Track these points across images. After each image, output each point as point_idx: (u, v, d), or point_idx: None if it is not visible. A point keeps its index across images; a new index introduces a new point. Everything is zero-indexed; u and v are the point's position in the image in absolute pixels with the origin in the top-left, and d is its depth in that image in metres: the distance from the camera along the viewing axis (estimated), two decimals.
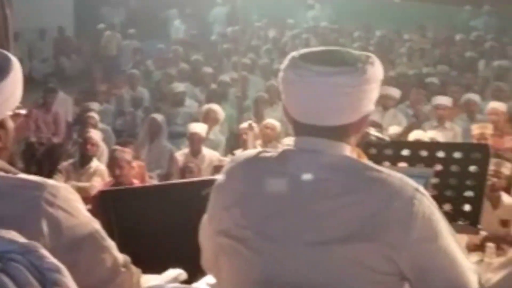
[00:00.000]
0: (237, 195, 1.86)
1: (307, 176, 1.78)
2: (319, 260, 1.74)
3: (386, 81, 10.01)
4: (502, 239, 5.69)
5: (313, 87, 1.78)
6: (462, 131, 8.02)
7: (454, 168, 2.51)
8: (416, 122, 8.13)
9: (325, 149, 1.81)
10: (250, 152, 1.94)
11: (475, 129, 7.07)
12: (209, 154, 7.37)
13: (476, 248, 5.46)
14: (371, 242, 1.71)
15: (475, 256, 5.40)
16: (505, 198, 5.88)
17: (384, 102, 8.81)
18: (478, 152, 2.50)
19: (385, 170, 1.79)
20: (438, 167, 2.51)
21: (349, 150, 1.84)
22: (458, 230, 2.33)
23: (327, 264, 1.74)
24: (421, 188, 1.77)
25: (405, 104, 9.31)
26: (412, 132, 6.97)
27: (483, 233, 5.57)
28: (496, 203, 5.80)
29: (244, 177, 1.88)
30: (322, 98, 1.78)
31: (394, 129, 7.46)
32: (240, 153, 1.97)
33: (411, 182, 1.77)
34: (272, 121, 7.78)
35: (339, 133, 1.81)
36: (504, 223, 5.69)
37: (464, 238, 5.31)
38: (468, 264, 1.81)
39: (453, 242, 1.79)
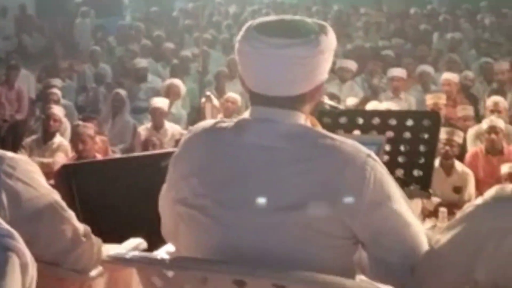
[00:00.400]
0: (194, 165, 1.85)
1: (262, 145, 1.78)
2: (275, 226, 1.75)
3: (344, 54, 10.11)
4: (455, 205, 5.78)
5: (267, 59, 1.77)
6: (417, 101, 8.09)
7: (406, 135, 2.53)
8: (372, 94, 8.18)
9: (280, 118, 1.80)
10: (207, 122, 1.93)
11: (429, 99, 7.13)
12: (171, 128, 7.33)
13: (430, 214, 5.54)
14: (325, 208, 1.72)
15: (429, 222, 5.48)
16: (458, 165, 5.96)
17: (341, 75, 8.85)
18: (429, 119, 2.52)
19: (338, 137, 1.80)
20: (391, 134, 2.53)
21: (303, 119, 1.84)
22: (410, 194, 2.36)
23: (283, 230, 1.74)
24: (373, 154, 1.79)
25: (361, 76, 9.36)
26: (369, 103, 7.01)
27: (436, 200, 5.66)
28: (449, 170, 5.88)
29: (201, 147, 1.87)
30: (277, 70, 1.77)
31: (351, 101, 7.49)
32: (197, 124, 1.97)
33: (363, 149, 1.78)
34: (233, 94, 7.77)
35: (294, 102, 1.81)
36: (456, 189, 5.78)
37: (419, 205, 5.41)
38: (419, 227, 1.84)
39: (404, 205, 1.80)
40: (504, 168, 5.60)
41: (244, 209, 1.77)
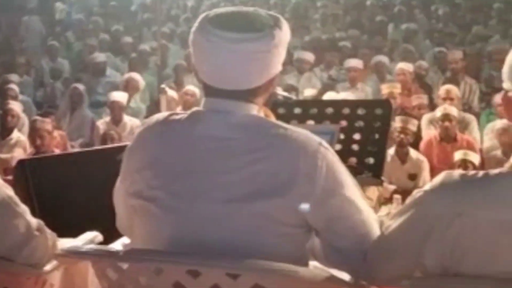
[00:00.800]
0: (148, 157, 1.84)
1: (216, 136, 1.78)
2: (228, 217, 1.74)
3: (302, 46, 10.12)
4: (410, 192, 5.83)
5: (222, 53, 1.77)
6: (373, 91, 8.16)
7: (358, 123, 2.54)
8: (330, 84, 8.22)
9: (234, 109, 1.80)
10: (161, 115, 1.92)
11: (384, 89, 7.20)
12: (130, 121, 7.27)
13: (386, 201, 5.61)
14: (279, 197, 1.72)
15: (385, 209, 5.54)
16: (413, 153, 6.04)
17: (299, 66, 8.89)
18: (381, 108, 2.54)
19: (291, 127, 1.81)
20: (344, 123, 2.54)
21: (257, 110, 1.84)
22: (363, 182, 2.38)
23: (237, 220, 1.74)
24: (324, 143, 1.79)
25: (319, 67, 9.39)
26: (326, 94, 7.05)
27: (392, 187, 5.73)
28: (404, 158, 5.95)
29: (154, 139, 1.85)
30: (231, 64, 1.77)
31: (309, 92, 7.52)
32: (151, 117, 1.95)
33: (315, 137, 1.79)
34: (192, 87, 7.75)
35: (248, 95, 1.81)
36: (411, 176, 5.85)
37: (375, 192, 5.47)
38: (371, 213, 1.85)
39: (356, 192, 1.82)
40: (457, 155, 5.68)
41: (198, 200, 1.76)
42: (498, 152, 6.22)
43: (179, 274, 1.71)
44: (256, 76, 1.80)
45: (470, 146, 6.10)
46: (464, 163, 5.53)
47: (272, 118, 1.97)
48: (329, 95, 6.83)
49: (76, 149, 6.56)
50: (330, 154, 1.78)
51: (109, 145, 5.44)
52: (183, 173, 1.78)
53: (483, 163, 6.36)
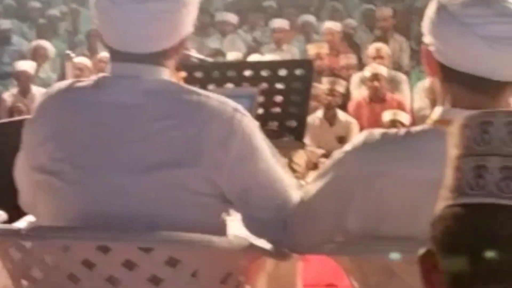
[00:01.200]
0: (51, 129, 1.80)
1: (123, 103, 1.75)
2: (140, 187, 1.73)
3: (224, 7, 10.06)
4: None
5: (128, 14, 1.74)
6: (299, 52, 8.19)
7: (278, 85, 2.53)
8: (255, 46, 8.21)
9: (143, 74, 1.78)
10: (63, 83, 1.88)
11: (311, 49, 7.24)
12: (39, 93, 7.09)
13: (314, 166, 5.66)
14: (192, 166, 1.71)
15: (313, 174, 5.60)
16: (341, 115, 6.11)
17: (222, 28, 8.84)
18: (302, 68, 2.54)
19: (205, 92, 1.80)
20: (264, 85, 2.54)
21: (168, 74, 1.82)
22: (285, 145, 2.39)
23: (148, 191, 1.73)
24: (241, 108, 1.79)
25: (243, 29, 9.36)
26: (251, 56, 7.04)
27: (320, 151, 5.79)
28: (332, 120, 6.01)
29: (57, 109, 1.81)
30: (138, 25, 1.74)
31: (233, 55, 7.49)
32: (52, 86, 1.90)
33: (231, 103, 1.78)
34: (107, 54, 7.58)
35: (157, 58, 1.79)
36: (340, 139, 5.92)
37: (303, 158, 5.51)
38: (290, 181, 1.86)
39: (273, 160, 1.82)
40: (387, 116, 5.78)
41: (104, 171, 1.74)
42: (429, 111, 6.34)
43: (88, 251, 1.70)
44: (165, 38, 1.78)
45: (400, 106, 6.21)
46: (394, 124, 5.63)
47: (183, 83, 1.95)
48: (253, 58, 6.82)
49: None
50: (246, 120, 1.78)
51: (16, 118, 5.31)
52: (88, 143, 1.75)
53: (414, 123, 6.50)
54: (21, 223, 2.12)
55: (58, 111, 1.81)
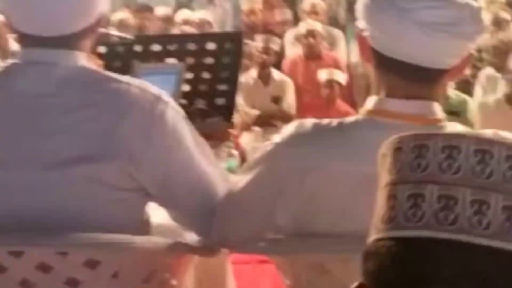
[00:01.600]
0: None
1: (35, 92, 1.63)
2: (55, 183, 1.62)
3: None
4: (274, 115, 5.86)
5: None
6: (232, 7, 8.01)
7: (207, 60, 2.41)
8: (185, 1, 8.01)
9: (57, 60, 1.66)
10: None
11: (245, 4, 7.09)
12: None
13: (248, 127, 5.58)
14: (110, 160, 1.61)
15: (247, 135, 5.53)
16: (276, 74, 6.03)
17: None
18: (231, 41, 2.42)
19: (126, 79, 1.68)
20: (191, 60, 2.41)
21: (85, 58, 1.69)
22: (213, 127, 2.28)
23: (64, 187, 1.62)
24: (164, 95, 1.69)
25: None
26: (180, 11, 6.85)
27: (255, 112, 5.72)
28: (266, 80, 5.92)
29: None
30: (48, 5, 1.64)
31: (161, 10, 7.27)
32: None
33: (153, 90, 1.68)
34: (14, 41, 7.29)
35: (72, 40, 1.67)
36: (275, 99, 5.85)
37: (237, 119, 5.42)
38: (216, 173, 1.77)
39: (197, 151, 1.73)
40: (323, 75, 5.72)
41: (16, 167, 1.62)
42: (365, 68, 6.31)
43: None
44: (78, 17, 1.67)
45: (336, 64, 6.16)
46: (330, 84, 5.58)
47: (100, 67, 1.83)
48: (184, 14, 6.65)
49: None
50: (169, 109, 1.67)
51: None
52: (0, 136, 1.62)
53: (351, 80, 6.47)
54: None
55: None
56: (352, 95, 6.43)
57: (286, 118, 5.94)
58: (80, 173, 1.61)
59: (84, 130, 1.61)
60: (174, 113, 1.69)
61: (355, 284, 0.86)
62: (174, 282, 1.77)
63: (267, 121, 5.67)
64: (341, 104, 5.90)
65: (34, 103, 1.63)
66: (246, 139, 5.47)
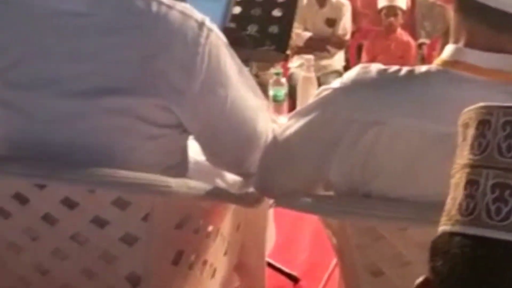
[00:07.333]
0: None
1: (64, 10, 1.52)
2: (84, 113, 1.53)
3: None
4: (327, 39, 5.70)
5: None
6: None
7: None
8: None
9: None
10: None
11: None
12: None
13: (300, 50, 5.45)
14: (146, 93, 1.52)
15: (297, 60, 5.39)
16: None
17: None
18: None
19: (167, 1, 1.55)
20: None
21: None
22: (263, 56, 2.19)
23: (94, 117, 1.53)
24: (208, 21, 1.57)
25: None
26: None
27: (307, 34, 5.57)
28: (322, 1, 5.74)
29: None
30: None
31: None
32: None
33: (196, 15, 1.56)
34: None
35: None
36: (329, 22, 5.68)
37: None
38: (262, 111, 1.70)
39: (243, 84, 1.64)
40: (382, 1, 5.52)
41: (42, 92, 1.53)
42: None
43: (20, 185, 1.53)
44: None
45: None
46: (390, 11, 5.38)
47: None
48: None
49: None
50: (214, 37, 1.56)
51: None
52: (23, 57, 1.54)
53: (413, 7, 6.26)
54: None
55: None
56: (413, 23, 6.22)
57: (340, 44, 5.80)
58: (113, 103, 1.51)
59: (118, 57, 1.50)
60: (219, 43, 1.58)
61: (420, 279, 0.78)
62: (209, 228, 1.72)
63: (320, 45, 5.52)
64: (401, 33, 5.71)
65: (62, 22, 1.52)
66: (296, 63, 5.34)
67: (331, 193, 1.56)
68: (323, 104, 1.53)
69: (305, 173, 1.57)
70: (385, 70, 1.49)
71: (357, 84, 1.48)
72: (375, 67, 1.50)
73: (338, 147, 1.48)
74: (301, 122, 1.56)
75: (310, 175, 1.57)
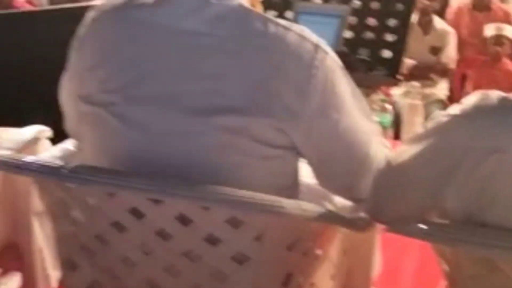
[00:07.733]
0: (102, 53, 1.63)
1: (186, 29, 1.56)
2: (199, 131, 1.56)
3: None
4: (431, 68, 5.64)
5: None
6: None
7: (374, 5, 2.31)
8: None
9: None
10: None
11: None
12: None
13: (404, 77, 5.41)
14: (262, 113, 1.54)
15: (403, 87, 5.35)
16: (437, 22, 5.78)
17: None
18: None
19: (283, 23, 1.56)
20: (356, 3, 2.31)
21: None
22: (375, 80, 2.18)
23: (209, 136, 1.56)
24: (323, 44, 1.58)
25: None
26: None
27: (411, 62, 5.52)
28: (427, 28, 5.69)
29: (110, 30, 1.63)
30: None
31: None
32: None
33: (312, 37, 1.58)
34: None
35: None
36: (434, 50, 5.62)
37: None
38: (375, 136, 1.70)
39: (356, 107, 1.65)
40: (490, 30, 5.44)
41: (161, 109, 1.57)
42: None
43: (137, 200, 1.56)
44: None
45: (506, 18, 5.83)
46: (498, 40, 5.29)
47: (259, 8, 1.75)
48: None
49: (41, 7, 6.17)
50: (329, 60, 1.58)
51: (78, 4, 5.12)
52: (145, 73, 1.58)
53: None
54: (67, 144, 2.02)
55: (112, 33, 1.63)
56: None
57: (444, 72, 5.73)
58: (228, 123, 1.54)
59: (235, 77, 1.53)
60: (335, 65, 1.59)
61: None
62: (318, 252, 1.72)
63: (424, 73, 5.46)
64: (507, 63, 5.60)
65: (184, 41, 1.56)
66: (399, 90, 5.30)
67: (444, 220, 1.54)
68: (441, 130, 1.52)
69: (420, 200, 1.56)
70: (506, 97, 1.47)
71: (478, 111, 1.47)
72: (495, 94, 1.49)
73: (456, 175, 1.47)
74: (417, 148, 1.55)
75: (425, 201, 1.56)
